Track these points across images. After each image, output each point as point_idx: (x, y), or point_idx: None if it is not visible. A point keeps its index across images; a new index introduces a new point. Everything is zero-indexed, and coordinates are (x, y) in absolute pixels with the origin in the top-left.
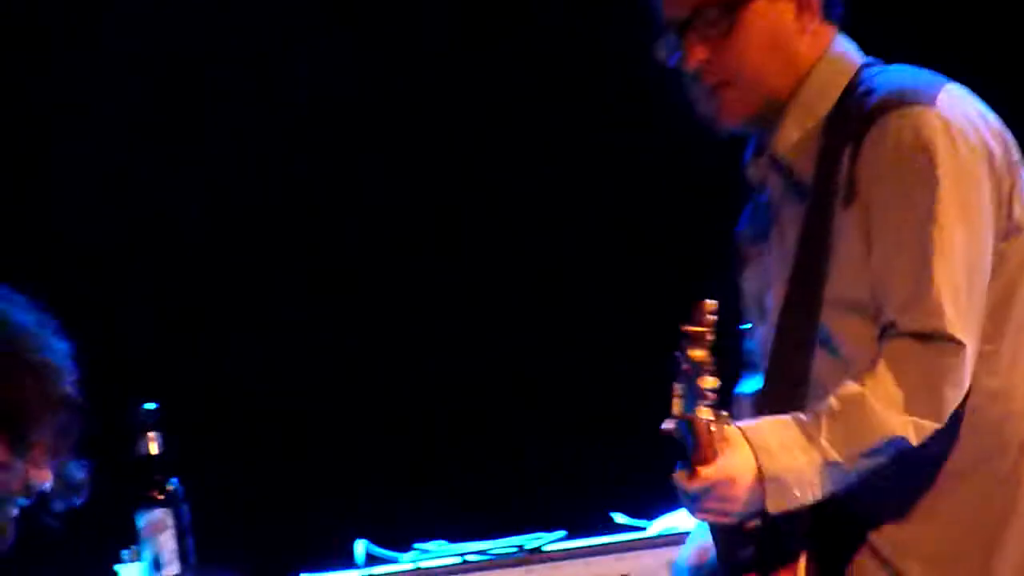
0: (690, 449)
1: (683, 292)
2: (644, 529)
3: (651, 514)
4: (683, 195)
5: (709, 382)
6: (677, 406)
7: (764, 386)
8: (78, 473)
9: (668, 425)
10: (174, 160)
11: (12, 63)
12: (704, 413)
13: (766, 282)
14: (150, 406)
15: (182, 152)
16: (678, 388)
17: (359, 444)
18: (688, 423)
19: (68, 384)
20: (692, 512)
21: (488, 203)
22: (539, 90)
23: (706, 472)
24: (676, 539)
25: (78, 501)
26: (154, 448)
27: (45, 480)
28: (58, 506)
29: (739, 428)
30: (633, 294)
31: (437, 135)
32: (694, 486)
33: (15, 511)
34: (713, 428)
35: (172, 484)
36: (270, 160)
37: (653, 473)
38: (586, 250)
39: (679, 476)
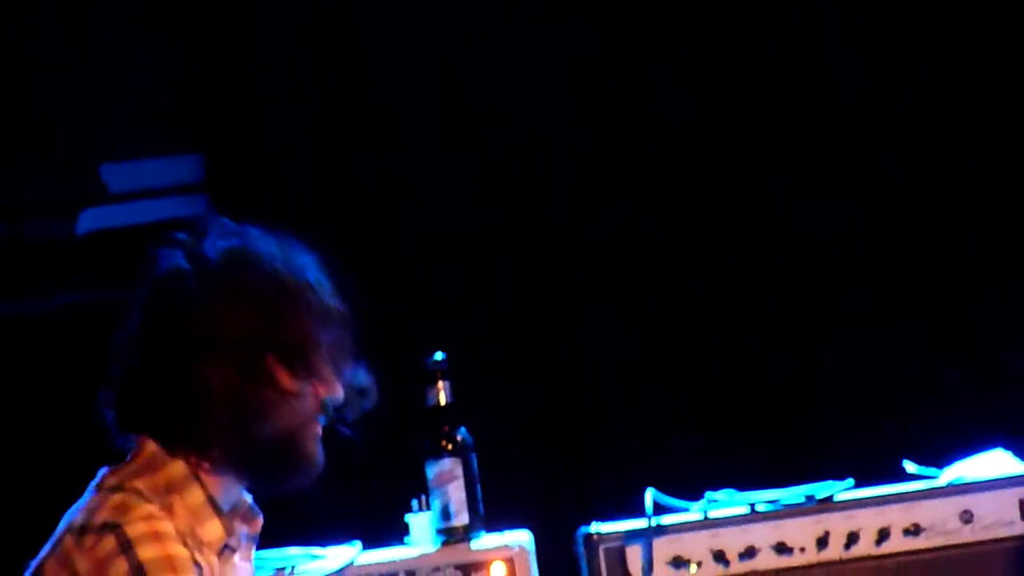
0: None
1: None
2: (936, 478)
3: (942, 462)
4: None
5: None
6: None
7: None
8: (362, 378)
9: None
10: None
11: None
12: None
13: None
14: (439, 357)
15: None
16: None
17: (648, 393)
18: None
19: (328, 296)
20: None
21: None
22: None
23: None
24: (968, 488)
25: (368, 405)
26: (443, 398)
27: (337, 394)
28: (351, 415)
29: None
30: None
31: None
32: None
33: (319, 429)
34: None
35: (461, 434)
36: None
37: (945, 422)
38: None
39: None
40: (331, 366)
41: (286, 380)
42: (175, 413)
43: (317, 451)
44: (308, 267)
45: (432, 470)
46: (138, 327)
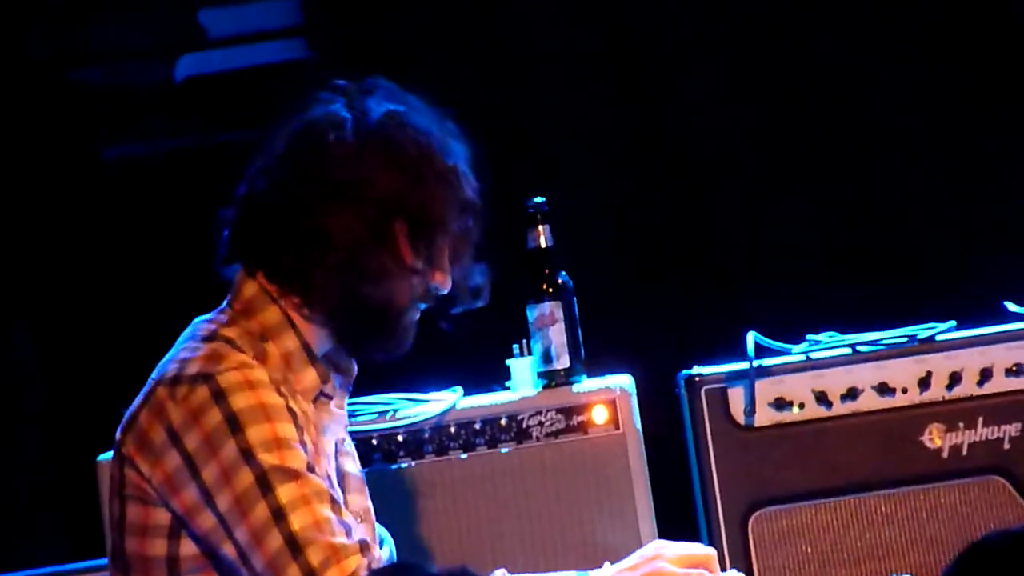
0: None
1: None
2: None
3: None
4: None
5: None
6: None
7: None
8: (478, 277)
9: None
10: None
11: None
12: None
13: None
14: (539, 200)
15: None
16: None
17: (750, 237)
18: None
19: (470, 188)
20: None
21: None
22: None
23: None
24: None
25: (477, 304)
26: (544, 241)
27: (445, 285)
28: (456, 309)
29: None
30: None
31: None
32: None
33: (417, 314)
34: None
35: (561, 277)
36: None
37: None
38: None
39: None
40: (450, 256)
41: (406, 252)
42: (290, 248)
43: (409, 334)
44: (459, 154)
45: (533, 313)
46: (279, 158)
